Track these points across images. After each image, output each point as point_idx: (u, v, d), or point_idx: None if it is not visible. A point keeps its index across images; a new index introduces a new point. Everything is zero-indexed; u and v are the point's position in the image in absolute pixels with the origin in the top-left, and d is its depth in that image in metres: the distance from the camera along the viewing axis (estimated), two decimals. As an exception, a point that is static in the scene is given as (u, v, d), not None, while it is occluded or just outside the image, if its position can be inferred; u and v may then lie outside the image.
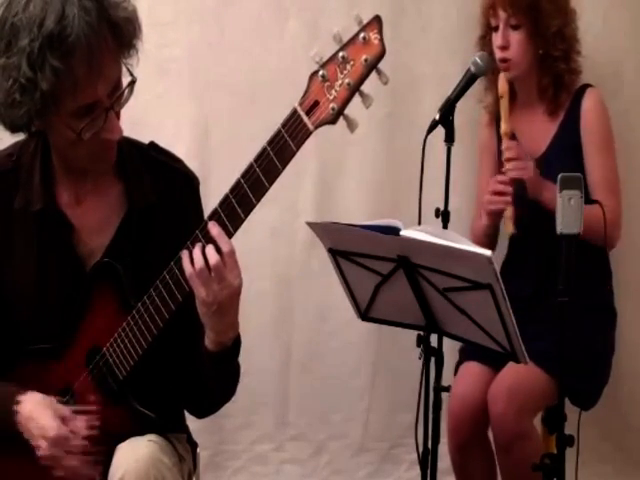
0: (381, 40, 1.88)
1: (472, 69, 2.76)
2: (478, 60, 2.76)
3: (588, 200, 2.62)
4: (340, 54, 1.89)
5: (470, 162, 3.25)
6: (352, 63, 1.89)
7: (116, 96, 2.03)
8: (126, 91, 2.05)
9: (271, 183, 1.94)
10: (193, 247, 1.98)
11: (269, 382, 3.36)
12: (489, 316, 2.19)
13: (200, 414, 2.29)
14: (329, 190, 3.41)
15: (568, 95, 3.05)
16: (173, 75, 3.34)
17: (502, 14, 3.00)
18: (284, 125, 1.92)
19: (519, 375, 2.80)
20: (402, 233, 2.19)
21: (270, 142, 1.93)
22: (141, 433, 2.09)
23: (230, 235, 1.98)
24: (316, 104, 1.91)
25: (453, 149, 2.71)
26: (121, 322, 2.09)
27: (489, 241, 3.10)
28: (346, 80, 1.89)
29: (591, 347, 2.95)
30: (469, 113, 3.10)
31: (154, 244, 2.15)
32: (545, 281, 2.95)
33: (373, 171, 3.41)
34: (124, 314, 2.09)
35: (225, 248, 1.95)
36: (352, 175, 3.41)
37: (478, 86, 2.96)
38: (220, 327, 2.03)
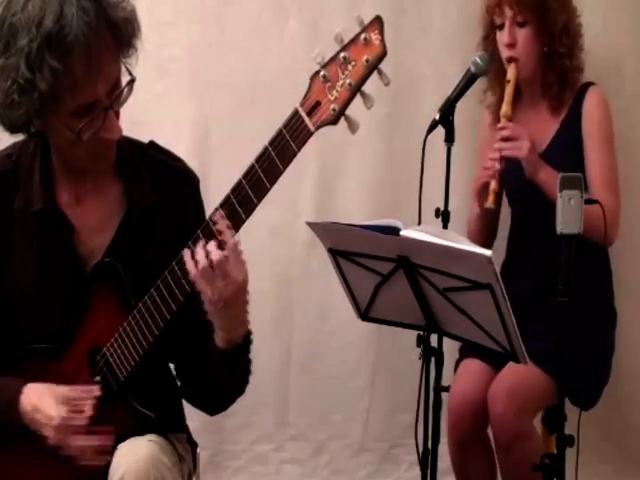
0: (382, 41, 1.88)
1: (472, 69, 2.76)
2: (478, 60, 2.77)
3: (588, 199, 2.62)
4: (341, 55, 1.89)
5: (470, 162, 3.24)
6: (353, 64, 1.89)
7: (115, 95, 2.03)
8: (125, 90, 2.05)
9: (272, 183, 1.94)
10: (195, 246, 1.98)
11: (269, 382, 3.35)
12: (489, 316, 2.19)
13: (213, 411, 2.28)
14: (329, 190, 3.41)
15: (571, 93, 3.05)
16: (173, 75, 3.34)
17: (508, 12, 2.99)
18: (285, 126, 1.92)
19: (519, 375, 2.80)
20: (402, 233, 2.19)
21: (271, 142, 1.93)
22: (141, 433, 2.09)
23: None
24: (317, 105, 1.91)
25: (453, 149, 2.71)
26: (122, 322, 2.09)
27: (484, 229, 3.09)
28: (347, 81, 1.89)
29: (591, 347, 2.95)
30: (469, 113, 3.09)
31: (154, 244, 2.15)
32: (545, 281, 2.95)
33: (373, 171, 3.41)
34: (125, 314, 2.09)
35: (229, 243, 1.95)
36: (352, 175, 3.41)
37: (478, 86, 2.95)
38: (229, 325, 2.02)
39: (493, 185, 2.90)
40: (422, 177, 2.70)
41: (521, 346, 2.22)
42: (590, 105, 3.03)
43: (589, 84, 3.07)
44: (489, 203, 2.91)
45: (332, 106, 1.90)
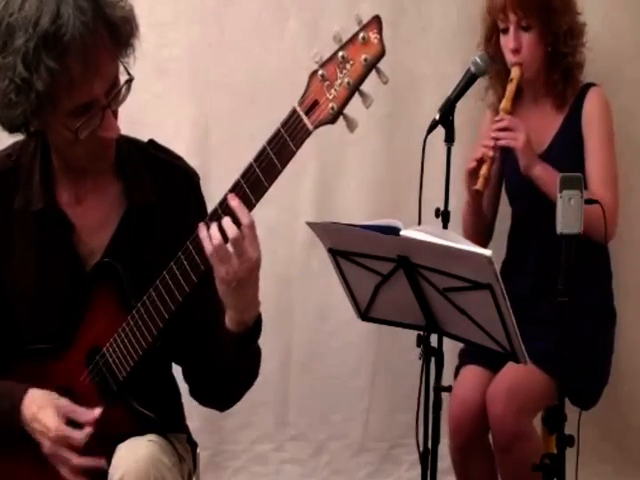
0: (381, 40, 1.87)
1: (472, 69, 2.77)
2: (478, 60, 2.77)
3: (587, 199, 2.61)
4: (340, 54, 1.88)
5: (470, 162, 3.25)
6: (352, 63, 1.88)
7: (113, 95, 2.02)
8: (123, 89, 2.04)
9: (271, 183, 1.94)
10: (210, 223, 1.96)
11: (269, 382, 3.35)
12: (489, 316, 2.19)
13: (223, 405, 2.27)
14: (329, 190, 3.41)
15: (573, 91, 3.05)
16: (173, 75, 3.34)
17: (512, 17, 2.98)
18: (283, 125, 1.92)
19: (518, 375, 2.80)
20: (402, 233, 2.19)
21: (269, 142, 1.93)
22: (141, 433, 2.08)
23: None
24: (316, 104, 1.91)
25: (453, 149, 2.71)
26: (121, 322, 2.09)
27: (478, 222, 3.10)
28: (346, 79, 1.89)
29: (591, 347, 2.95)
30: (469, 113, 3.10)
31: (154, 243, 2.15)
32: (545, 280, 2.95)
33: (373, 171, 3.40)
34: (124, 314, 2.09)
35: (245, 220, 1.93)
36: (352, 175, 3.41)
37: (478, 86, 2.95)
38: (241, 305, 2.01)
39: (484, 170, 2.90)
40: (422, 177, 2.70)
41: (521, 346, 2.22)
42: (591, 105, 3.03)
43: (590, 85, 3.07)
44: (477, 185, 2.91)
45: (330, 105, 1.90)
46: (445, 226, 2.70)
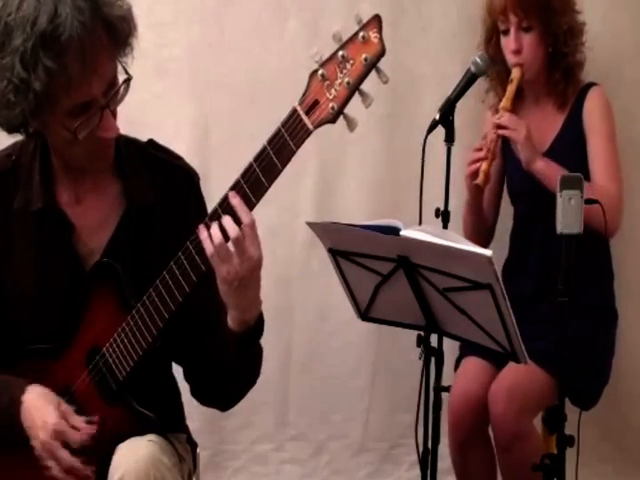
0: (381, 39, 1.87)
1: (472, 69, 2.77)
2: (478, 60, 2.77)
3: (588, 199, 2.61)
4: (340, 53, 1.88)
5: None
6: (352, 62, 1.89)
7: (111, 94, 2.02)
8: (122, 89, 2.04)
9: (271, 183, 1.94)
10: (210, 223, 1.96)
11: (269, 382, 3.34)
12: (489, 316, 2.19)
13: (225, 404, 2.27)
14: (329, 190, 3.40)
15: (574, 90, 3.05)
16: (173, 75, 3.34)
17: (513, 18, 2.97)
18: (284, 124, 1.91)
19: (519, 375, 2.80)
20: (402, 233, 2.18)
21: (270, 141, 1.93)
22: (141, 433, 2.08)
23: None
24: (316, 103, 1.91)
25: (453, 149, 2.72)
26: (121, 322, 2.09)
27: (477, 221, 3.10)
28: (346, 79, 1.89)
29: (591, 347, 2.95)
30: (469, 113, 3.10)
31: (154, 243, 2.15)
32: (546, 280, 2.95)
33: (373, 171, 3.40)
34: (124, 314, 2.09)
35: (246, 219, 1.93)
36: (352, 175, 3.41)
37: (478, 86, 2.95)
38: (243, 304, 2.01)
39: (484, 166, 2.90)
40: (422, 177, 2.70)
41: (521, 346, 2.21)
42: (591, 105, 3.03)
43: (591, 84, 3.07)
44: (477, 180, 2.91)
45: (331, 104, 1.90)
46: (445, 226, 2.70)
